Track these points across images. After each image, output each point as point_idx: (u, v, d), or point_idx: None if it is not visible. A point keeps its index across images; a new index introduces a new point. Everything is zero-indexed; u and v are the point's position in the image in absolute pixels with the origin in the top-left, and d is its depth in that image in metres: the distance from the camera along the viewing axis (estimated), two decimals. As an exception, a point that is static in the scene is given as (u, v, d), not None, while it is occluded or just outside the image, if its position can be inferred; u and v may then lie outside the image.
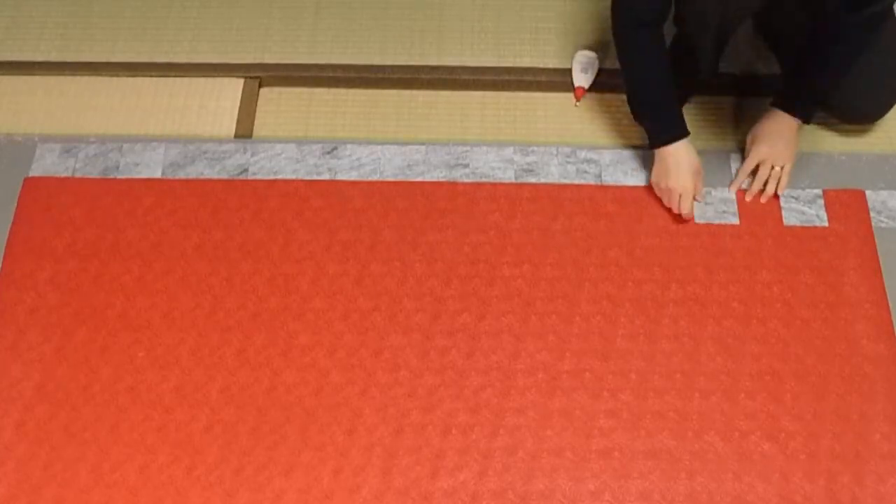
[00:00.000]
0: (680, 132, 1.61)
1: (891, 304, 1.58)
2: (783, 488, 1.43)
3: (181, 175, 1.70)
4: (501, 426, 1.47)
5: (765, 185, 1.67)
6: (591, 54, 1.82)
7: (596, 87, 1.82)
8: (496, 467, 1.44)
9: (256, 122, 1.78)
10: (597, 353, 1.53)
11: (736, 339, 1.55)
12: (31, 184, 1.70)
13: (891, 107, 1.75)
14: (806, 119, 1.64)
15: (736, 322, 1.56)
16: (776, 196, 1.67)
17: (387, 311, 1.57)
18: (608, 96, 1.81)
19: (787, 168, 1.66)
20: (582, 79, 1.80)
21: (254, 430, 1.47)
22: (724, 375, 1.52)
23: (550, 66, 1.84)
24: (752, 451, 1.46)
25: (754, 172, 1.68)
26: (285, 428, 1.47)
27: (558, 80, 1.83)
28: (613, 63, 1.82)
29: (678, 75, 1.62)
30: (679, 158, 1.61)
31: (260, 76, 1.82)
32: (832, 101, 1.68)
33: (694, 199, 1.64)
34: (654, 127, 1.63)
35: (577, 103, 1.79)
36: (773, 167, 1.66)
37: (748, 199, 1.68)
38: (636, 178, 1.70)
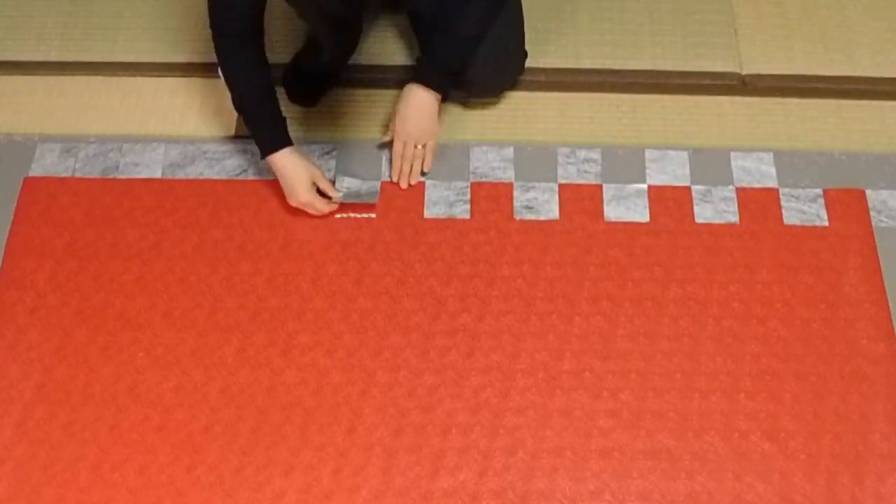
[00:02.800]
0: (280, 143, 1.57)
1: (891, 304, 1.57)
2: (783, 488, 1.43)
3: (181, 175, 1.70)
4: (501, 426, 1.47)
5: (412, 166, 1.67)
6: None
7: (594, 87, 1.82)
8: (496, 467, 1.44)
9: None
10: (597, 353, 1.53)
11: (736, 339, 1.54)
12: (30, 184, 1.70)
13: (515, 75, 1.76)
14: (443, 92, 1.63)
15: (736, 322, 1.56)
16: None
17: (387, 311, 1.57)
18: (602, 95, 1.81)
19: (431, 145, 1.66)
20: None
21: (254, 430, 1.47)
22: (724, 375, 1.52)
23: (550, 66, 1.84)
24: (751, 451, 1.46)
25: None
26: (285, 428, 1.47)
27: (559, 80, 1.83)
28: (593, 62, 1.83)
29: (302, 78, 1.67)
30: (287, 171, 1.58)
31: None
32: (467, 74, 1.67)
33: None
34: (258, 138, 1.60)
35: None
36: (416, 146, 1.65)
37: (403, 184, 1.67)
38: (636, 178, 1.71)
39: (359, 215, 1.66)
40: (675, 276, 1.60)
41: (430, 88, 1.61)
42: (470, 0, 1.58)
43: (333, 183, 1.66)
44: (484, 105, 1.80)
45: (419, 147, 1.66)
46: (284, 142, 1.58)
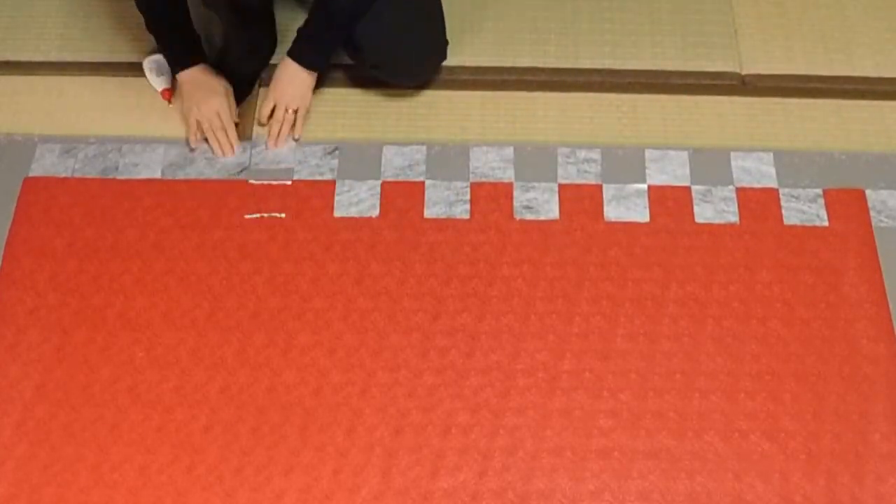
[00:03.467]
0: (198, 57, 1.66)
1: (891, 304, 1.57)
2: (783, 488, 1.43)
3: (181, 175, 1.70)
4: (501, 426, 1.47)
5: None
6: (159, 57, 1.78)
7: (594, 87, 1.82)
8: (496, 467, 1.44)
9: (256, 123, 1.78)
10: (597, 353, 1.53)
11: (736, 339, 1.54)
12: (30, 184, 1.70)
13: (433, 63, 1.77)
14: (315, 67, 1.67)
15: (736, 322, 1.56)
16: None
17: (387, 311, 1.57)
18: (602, 95, 1.81)
19: (301, 111, 1.70)
20: (161, 81, 1.78)
21: (254, 430, 1.47)
22: (724, 375, 1.52)
23: (550, 66, 1.84)
24: (751, 451, 1.46)
25: None
26: (285, 428, 1.47)
27: (558, 79, 1.83)
28: (593, 62, 1.83)
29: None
30: (201, 78, 1.64)
31: (260, 76, 1.82)
32: (371, 59, 1.70)
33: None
34: (173, 55, 1.68)
35: (170, 104, 1.77)
36: (287, 110, 1.68)
37: (271, 144, 1.70)
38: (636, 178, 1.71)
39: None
40: (675, 276, 1.60)
41: (302, 65, 1.66)
42: None
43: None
44: (484, 105, 1.80)
45: (290, 111, 1.69)
46: (202, 57, 1.66)
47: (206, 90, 1.67)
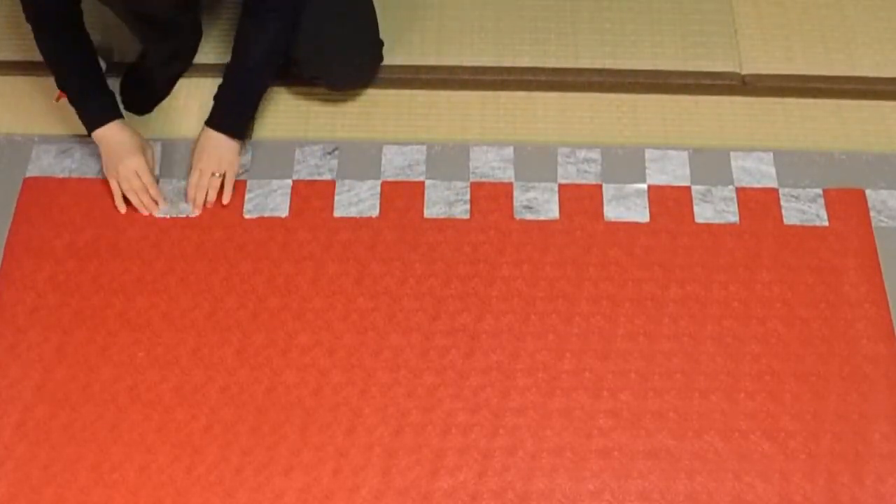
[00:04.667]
0: (111, 115, 1.60)
1: (891, 304, 1.57)
2: (783, 488, 1.43)
3: (181, 176, 1.70)
4: (501, 426, 1.47)
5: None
6: None
7: (594, 87, 1.82)
8: (496, 467, 1.44)
9: (256, 122, 1.78)
10: (597, 353, 1.53)
11: (736, 339, 1.54)
12: (30, 184, 1.70)
13: (370, 68, 1.78)
14: (237, 135, 1.64)
15: (736, 322, 1.56)
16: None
17: (387, 311, 1.57)
18: (602, 95, 1.81)
19: (229, 176, 1.64)
20: None
21: (254, 430, 1.47)
22: (724, 375, 1.52)
23: (550, 65, 1.84)
24: (751, 451, 1.46)
25: None
26: (285, 428, 1.47)
27: (558, 79, 1.83)
28: (593, 62, 1.83)
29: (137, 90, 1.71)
30: (117, 138, 1.60)
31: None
32: (308, 73, 1.71)
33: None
34: (86, 114, 1.61)
35: (57, 101, 1.73)
36: (213, 174, 1.63)
37: (195, 212, 1.65)
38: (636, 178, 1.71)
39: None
40: (675, 276, 1.60)
41: (223, 134, 1.63)
42: (263, 25, 1.59)
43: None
44: (484, 105, 1.80)
45: (216, 176, 1.64)
46: (115, 114, 1.61)
47: (121, 151, 1.61)
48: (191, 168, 1.65)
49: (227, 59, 1.67)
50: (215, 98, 1.65)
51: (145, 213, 1.64)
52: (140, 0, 1.57)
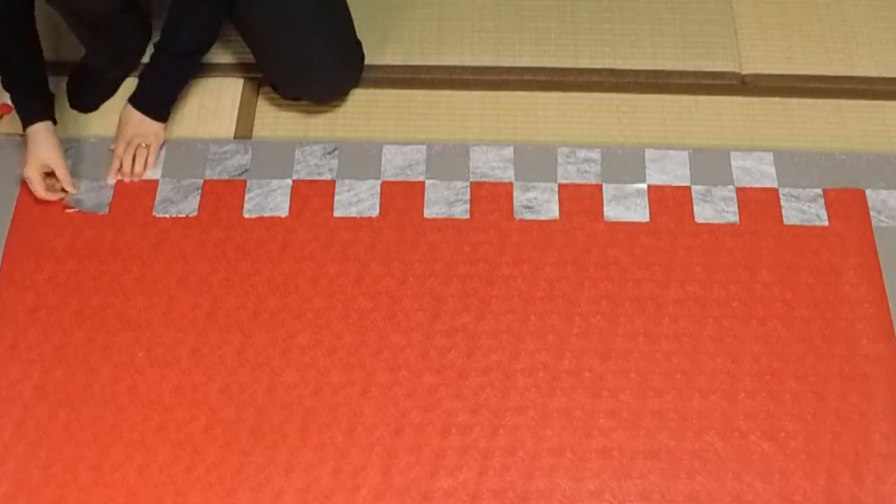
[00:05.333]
0: (39, 116, 1.61)
1: (891, 304, 1.57)
2: (783, 488, 1.43)
3: (181, 175, 1.70)
4: (501, 426, 1.47)
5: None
6: None
7: (594, 87, 1.82)
8: (496, 467, 1.44)
9: (256, 122, 1.78)
10: (597, 353, 1.53)
11: (736, 339, 1.54)
12: (31, 184, 1.70)
13: (353, 78, 1.77)
14: (159, 117, 1.65)
15: (736, 322, 1.56)
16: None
17: (387, 311, 1.57)
18: (602, 95, 1.81)
19: (154, 147, 1.67)
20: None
21: (254, 430, 1.47)
22: (724, 375, 1.52)
23: (550, 65, 1.84)
24: (751, 451, 1.46)
25: None
26: (285, 428, 1.47)
27: (558, 79, 1.83)
28: (593, 62, 1.83)
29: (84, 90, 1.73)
30: (30, 144, 1.61)
31: (260, 76, 1.82)
32: (289, 95, 1.72)
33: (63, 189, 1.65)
34: (21, 110, 1.62)
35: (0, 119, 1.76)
36: (139, 145, 1.66)
37: (125, 178, 1.68)
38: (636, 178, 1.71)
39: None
40: (675, 276, 1.60)
41: (144, 114, 1.64)
42: (195, 11, 1.60)
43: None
44: (484, 105, 1.80)
45: (142, 146, 1.66)
46: (44, 116, 1.62)
47: (31, 156, 1.62)
48: (115, 140, 1.69)
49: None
50: (140, 77, 1.67)
51: (56, 196, 1.65)
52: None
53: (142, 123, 1.67)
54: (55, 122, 1.64)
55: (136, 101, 1.67)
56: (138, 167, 1.68)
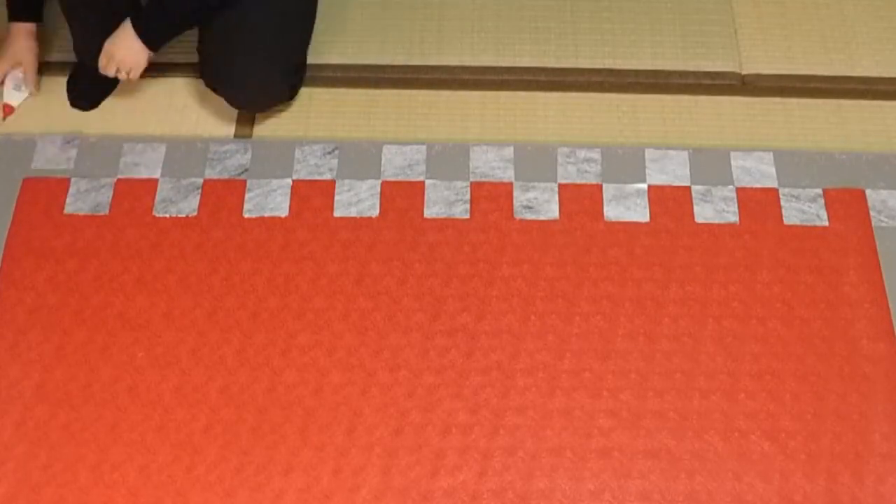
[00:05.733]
0: (26, 15, 1.74)
1: (891, 304, 1.57)
2: (783, 488, 1.43)
3: (181, 175, 1.70)
4: (501, 426, 1.47)
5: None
6: (21, 73, 1.79)
7: (594, 87, 1.82)
8: (496, 467, 1.44)
9: (256, 122, 1.78)
10: (596, 353, 1.53)
11: (736, 339, 1.54)
12: (30, 184, 1.69)
13: (294, 87, 1.78)
14: (151, 45, 1.63)
15: (736, 322, 1.56)
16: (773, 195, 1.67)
17: (387, 311, 1.57)
18: (602, 95, 1.81)
19: (134, 73, 1.65)
20: (14, 96, 1.79)
21: (254, 430, 1.47)
22: (724, 375, 1.52)
23: (550, 65, 1.84)
24: (751, 451, 1.46)
25: None
26: (285, 428, 1.47)
27: (558, 79, 1.83)
28: (593, 62, 1.83)
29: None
30: (9, 38, 1.74)
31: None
32: (212, 76, 1.72)
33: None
34: (11, 4, 1.75)
35: (3, 120, 1.78)
36: (118, 70, 1.65)
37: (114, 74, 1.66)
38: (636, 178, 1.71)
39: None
40: (675, 276, 1.60)
41: (138, 36, 1.62)
42: None
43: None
44: (484, 105, 1.80)
45: (122, 72, 1.65)
46: (30, 16, 1.75)
47: (6, 49, 1.75)
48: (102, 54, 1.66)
49: (193, 59, 1.71)
50: (146, 5, 1.64)
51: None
52: None
53: (130, 45, 1.62)
54: (41, 21, 1.76)
55: (135, 20, 1.61)
56: (122, 77, 1.66)
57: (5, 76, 1.77)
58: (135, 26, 1.61)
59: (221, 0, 1.62)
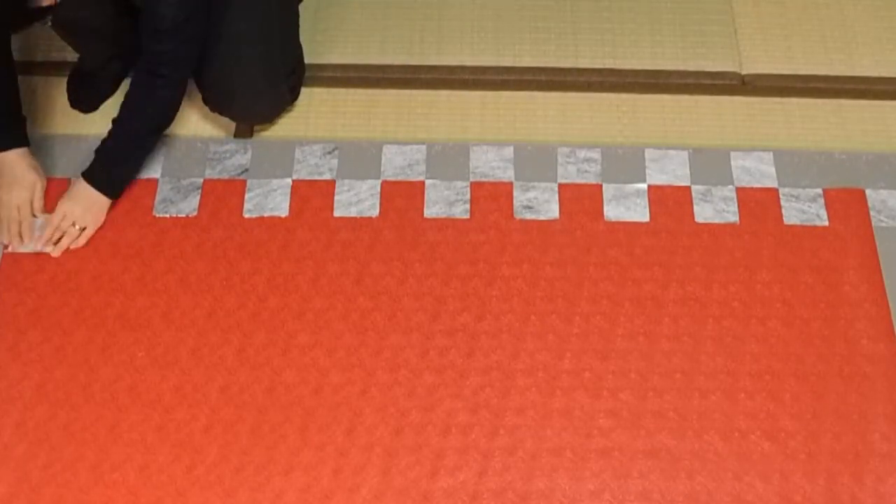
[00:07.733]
0: (10, 143, 1.59)
1: (891, 304, 1.58)
2: (783, 488, 1.43)
3: (181, 175, 1.70)
4: (501, 426, 1.47)
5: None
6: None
7: (594, 87, 1.82)
8: (496, 467, 1.44)
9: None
10: (596, 353, 1.53)
11: (736, 339, 1.54)
12: (31, 184, 1.69)
13: (294, 96, 1.76)
14: (110, 194, 1.61)
15: (736, 322, 1.56)
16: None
17: (387, 311, 1.57)
18: (602, 95, 1.81)
19: (88, 232, 1.61)
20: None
21: (253, 430, 1.47)
22: (724, 375, 1.52)
23: (550, 65, 1.84)
24: (751, 451, 1.46)
25: None
26: (285, 427, 1.47)
27: (558, 79, 1.83)
28: (593, 62, 1.83)
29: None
30: (11, 169, 1.59)
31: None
32: (216, 105, 1.70)
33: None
34: None
35: None
36: (74, 225, 1.61)
37: (48, 250, 1.61)
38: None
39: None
40: (675, 276, 1.60)
41: (96, 189, 1.60)
42: (152, 93, 1.58)
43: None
44: (484, 105, 1.80)
45: (76, 227, 1.61)
46: (16, 142, 1.60)
47: (12, 182, 1.60)
48: (56, 206, 1.62)
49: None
50: (96, 152, 1.61)
51: (4, 242, 1.61)
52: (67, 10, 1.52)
53: (87, 200, 1.61)
54: (28, 144, 1.62)
55: (89, 175, 1.61)
56: (63, 245, 1.61)
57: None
58: (92, 182, 1.59)
59: (170, 116, 1.62)
